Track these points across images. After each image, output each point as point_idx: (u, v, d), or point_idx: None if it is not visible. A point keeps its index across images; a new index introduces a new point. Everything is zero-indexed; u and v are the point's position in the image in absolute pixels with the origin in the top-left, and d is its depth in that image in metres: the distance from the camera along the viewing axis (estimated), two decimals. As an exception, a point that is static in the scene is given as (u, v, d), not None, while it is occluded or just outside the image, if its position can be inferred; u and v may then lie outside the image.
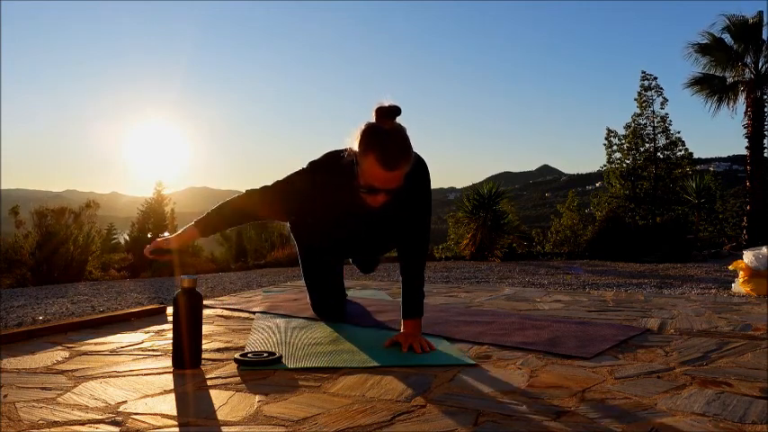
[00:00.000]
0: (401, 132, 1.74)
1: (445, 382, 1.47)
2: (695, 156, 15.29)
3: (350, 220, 2.05)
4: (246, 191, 1.99)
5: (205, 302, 2.68)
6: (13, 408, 1.29)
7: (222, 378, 1.53)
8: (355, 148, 1.76)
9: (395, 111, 1.72)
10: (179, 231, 1.95)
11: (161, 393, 1.40)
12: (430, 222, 2.03)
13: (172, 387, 1.46)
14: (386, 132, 1.70)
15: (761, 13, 11.07)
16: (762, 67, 11.17)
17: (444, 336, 2.04)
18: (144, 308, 2.64)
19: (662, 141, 14.80)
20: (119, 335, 2.15)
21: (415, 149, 1.80)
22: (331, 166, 1.93)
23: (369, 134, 1.72)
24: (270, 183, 2.00)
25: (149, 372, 1.60)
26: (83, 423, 1.20)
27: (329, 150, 2.00)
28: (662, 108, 14.94)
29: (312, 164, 1.97)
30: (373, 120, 1.74)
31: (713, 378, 1.49)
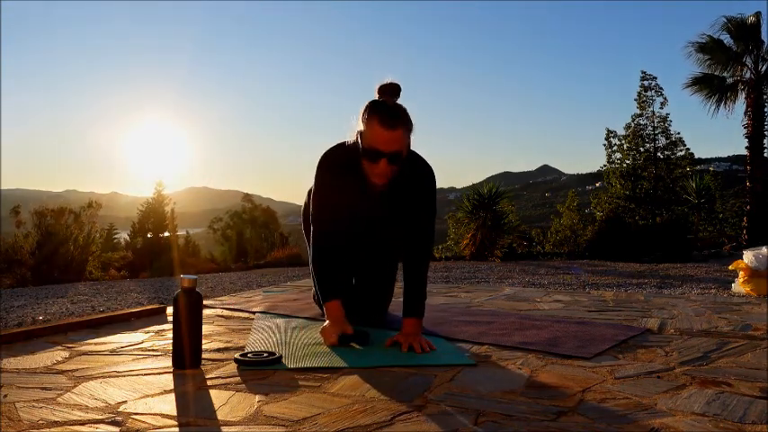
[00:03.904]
0: (401, 105, 1.90)
1: (445, 382, 1.47)
2: (695, 156, 15.28)
3: (356, 210, 2.08)
4: (312, 232, 2.04)
5: (205, 302, 2.69)
6: (13, 408, 1.29)
7: (222, 378, 1.53)
8: (360, 126, 1.89)
9: (396, 88, 1.90)
10: (327, 314, 1.96)
11: (161, 393, 1.40)
12: (434, 225, 2.08)
13: (172, 387, 1.46)
14: (386, 102, 1.88)
15: (759, 13, 11.07)
16: (761, 67, 11.17)
17: (444, 336, 2.04)
18: (144, 308, 2.64)
19: (662, 142, 14.80)
20: (119, 335, 2.15)
21: (416, 150, 1.96)
22: (336, 155, 2.03)
23: (371, 104, 1.89)
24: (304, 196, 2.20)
25: (149, 372, 1.60)
26: (83, 423, 1.20)
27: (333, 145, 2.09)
28: (662, 108, 14.95)
29: (322, 159, 2.05)
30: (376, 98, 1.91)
31: (713, 378, 1.49)
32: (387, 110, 1.85)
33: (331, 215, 2.04)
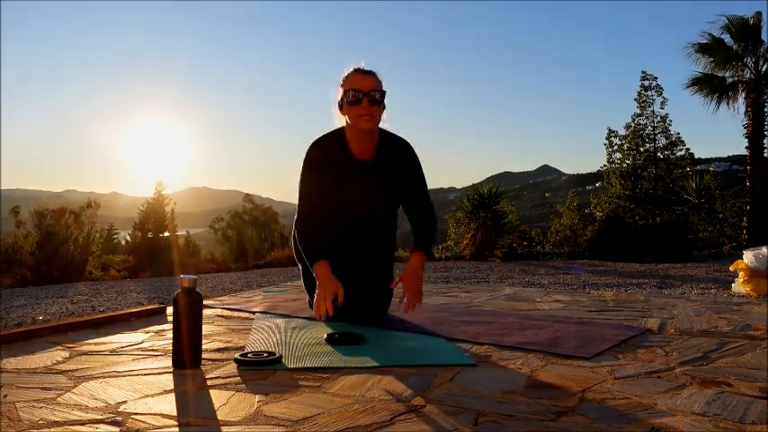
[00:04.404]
0: None
1: (445, 382, 1.47)
2: (695, 156, 15.26)
3: (347, 188, 2.25)
4: (295, 222, 2.26)
5: (205, 302, 2.68)
6: (13, 408, 1.29)
7: (222, 378, 1.53)
8: (339, 93, 2.20)
9: (364, 69, 2.23)
10: (316, 275, 2.09)
11: (161, 393, 1.40)
12: (426, 183, 2.36)
13: (172, 387, 1.46)
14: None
15: (759, 13, 11.06)
16: (761, 66, 11.16)
17: (444, 336, 2.04)
18: (144, 308, 2.64)
19: (662, 141, 14.79)
20: (119, 335, 2.15)
21: (418, 151, 2.31)
22: (321, 138, 2.28)
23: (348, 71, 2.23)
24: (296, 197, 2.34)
25: (149, 372, 1.60)
26: (83, 423, 1.20)
27: None
28: (662, 108, 14.93)
29: (309, 150, 2.27)
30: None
31: (713, 378, 1.49)
32: (359, 67, 2.22)
33: (315, 212, 2.21)
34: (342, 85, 2.20)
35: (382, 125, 2.25)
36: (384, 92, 2.18)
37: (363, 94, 2.12)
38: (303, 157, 2.26)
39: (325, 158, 2.22)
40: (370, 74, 2.19)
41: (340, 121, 2.27)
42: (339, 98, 2.21)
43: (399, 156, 2.28)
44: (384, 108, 2.20)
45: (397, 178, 2.27)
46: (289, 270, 6.60)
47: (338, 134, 2.26)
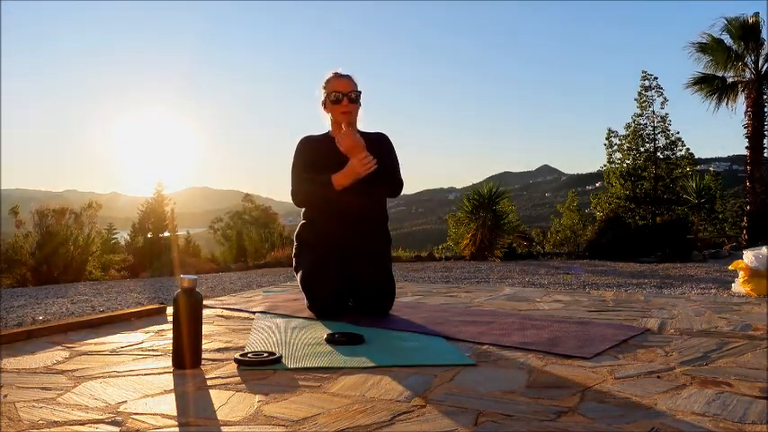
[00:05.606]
0: None
1: (445, 382, 1.47)
2: (695, 156, 15.25)
3: (332, 156, 2.52)
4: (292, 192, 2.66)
5: (205, 302, 2.68)
6: (13, 408, 1.29)
7: (222, 378, 1.53)
8: (322, 94, 2.62)
9: (341, 74, 2.65)
10: (337, 178, 2.48)
11: (161, 393, 1.40)
12: (398, 163, 2.70)
13: (172, 387, 1.46)
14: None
15: (757, 14, 11.07)
16: (762, 66, 11.16)
17: (444, 336, 2.04)
18: (144, 308, 2.64)
19: (662, 141, 14.78)
20: (119, 335, 2.15)
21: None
22: (310, 136, 2.71)
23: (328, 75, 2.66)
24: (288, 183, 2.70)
25: (149, 372, 1.60)
26: (83, 423, 1.20)
27: None
28: (662, 108, 14.92)
29: (298, 142, 2.70)
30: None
31: (713, 378, 1.49)
32: (338, 71, 2.64)
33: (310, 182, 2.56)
34: (324, 88, 2.63)
35: (359, 119, 2.64)
36: (360, 92, 2.61)
37: (344, 95, 2.56)
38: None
39: (310, 144, 2.66)
40: (348, 77, 2.63)
41: (325, 118, 2.67)
42: (323, 98, 2.63)
43: (376, 138, 2.64)
44: (360, 105, 2.63)
45: (372, 153, 2.53)
46: (289, 270, 6.60)
47: (322, 135, 2.70)
